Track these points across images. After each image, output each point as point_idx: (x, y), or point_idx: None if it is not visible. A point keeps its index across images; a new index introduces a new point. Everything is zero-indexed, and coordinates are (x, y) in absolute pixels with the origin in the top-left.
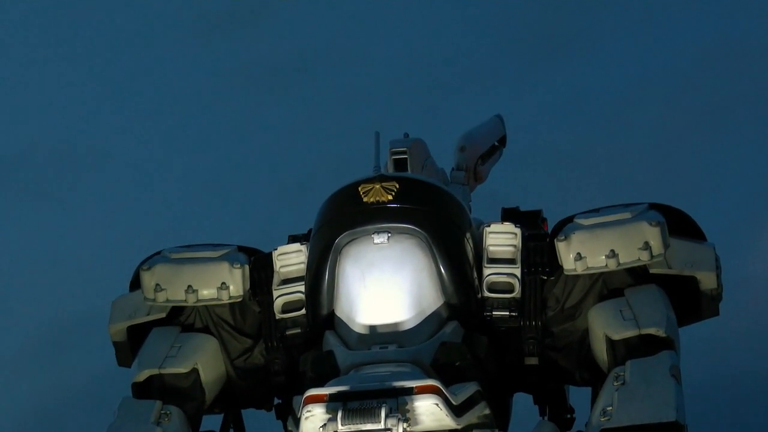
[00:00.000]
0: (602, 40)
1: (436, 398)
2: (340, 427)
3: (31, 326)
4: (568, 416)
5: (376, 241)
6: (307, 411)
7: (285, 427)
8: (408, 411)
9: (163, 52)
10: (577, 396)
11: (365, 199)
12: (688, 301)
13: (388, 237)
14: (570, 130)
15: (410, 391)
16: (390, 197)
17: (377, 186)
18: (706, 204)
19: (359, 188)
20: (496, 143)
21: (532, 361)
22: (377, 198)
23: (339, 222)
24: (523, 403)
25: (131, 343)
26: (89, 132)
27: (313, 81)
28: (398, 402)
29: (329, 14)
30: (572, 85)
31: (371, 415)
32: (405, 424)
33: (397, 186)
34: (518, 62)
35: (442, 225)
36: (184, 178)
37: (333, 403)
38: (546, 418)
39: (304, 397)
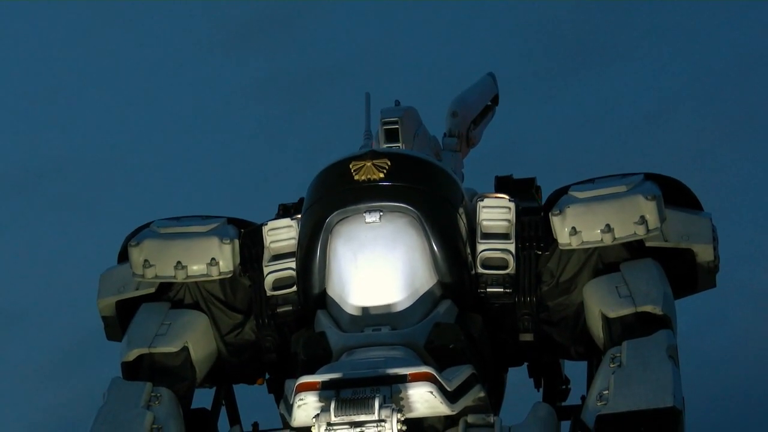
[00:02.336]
0: (632, 50)
1: (430, 386)
2: (333, 418)
3: (57, 337)
4: (564, 387)
5: (367, 220)
6: (300, 399)
7: (276, 401)
8: (402, 399)
9: (192, 64)
10: (572, 366)
11: (356, 177)
12: (685, 273)
13: (380, 216)
14: (599, 139)
15: (404, 379)
16: (381, 175)
17: (368, 164)
18: (737, 212)
19: (350, 165)
20: (489, 103)
21: (527, 337)
22: (368, 176)
23: (330, 200)
24: (518, 377)
25: (120, 318)
26: (118, 144)
27: (343, 89)
28: (392, 390)
29: (359, 24)
30: (601, 95)
31: (365, 405)
32: (399, 414)
33: (389, 163)
34: (547, 72)
35: (434, 203)
36: (213, 189)
37: (326, 391)
38: (541, 390)
39: (296, 384)
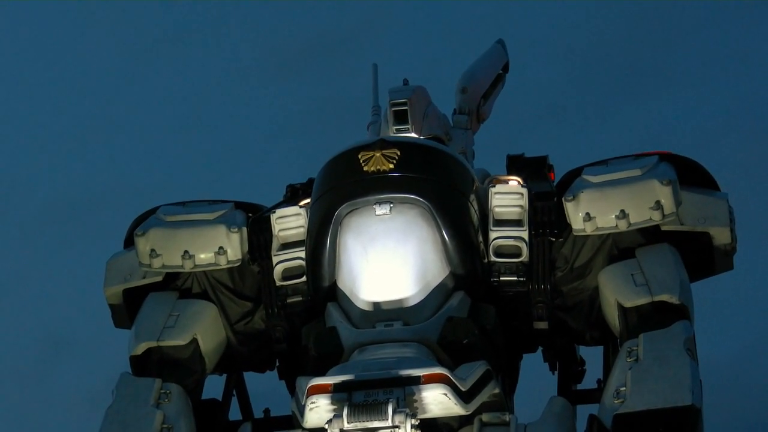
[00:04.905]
0: (683, 76)
1: (444, 388)
2: (346, 424)
3: (106, 363)
4: (579, 369)
5: (377, 212)
6: (312, 402)
7: (287, 387)
8: (415, 401)
9: (240, 92)
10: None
11: (365, 168)
12: (702, 255)
13: (390, 208)
14: None
15: (417, 381)
16: (391, 166)
17: (377, 154)
18: None
19: (359, 155)
20: (500, 71)
21: (542, 325)
22: (378, 167)
23: (339, 192)
24: (532, 360)
25: (128, 305)
26: (164, 174)
27: None
28: (405, 392)
29: (406, 49)
30: (652, 120)
31: (378, 411)
32: (413, 420)
33: (398, 153)
34: (597, 98)
35: (445, 193)
36: None
37: (338, 393)
38: (556, 373)
39: (308, 386)
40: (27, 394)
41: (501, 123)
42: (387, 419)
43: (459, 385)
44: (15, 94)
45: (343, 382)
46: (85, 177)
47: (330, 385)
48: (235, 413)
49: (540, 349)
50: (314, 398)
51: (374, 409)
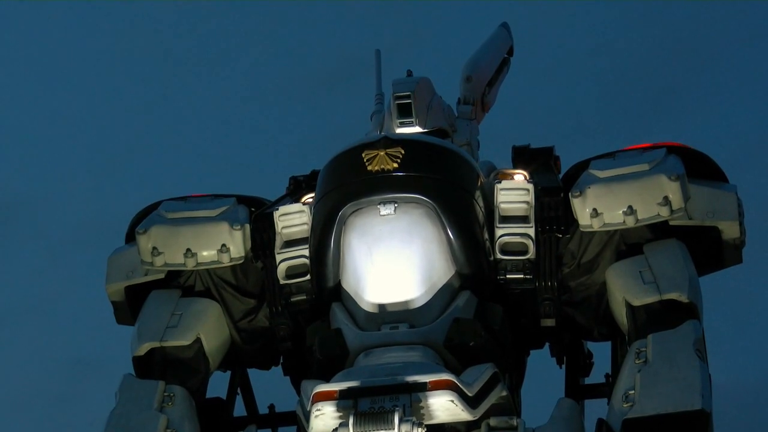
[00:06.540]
0: (714, 95)
1: (451, 394)
2: None
3: None
4: (587, 362)
5: (382, 212)
6: (317, 409)
7: (292, 382)
8: (422, 408)
9: (273, 113)
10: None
11: (369, 167)
12: (711, 248)
13: (395, 208)
14: None
15: (424, 387)
16: (395, 165)
17: (381, 153)
18: None
19: (363, 154)
20: (505, 55)
21: (549, 322)
22: (382, 166)
23: (343, 192)
24: (540, 354)
25: (130, 302)
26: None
27: None
28: (411, 399)
29: (437, 67)
30: (683, 140)
31: (384, 420)
32: (419, 429)
33: (402, 152)
34: (625, 117)
35: (450, 192)
36: None
37: (343, 401)
38: (563, 366)
39: (313, 393)
40: (56, 416)
41: (530, 142)
42: (393, 429)
43: (466, 391)
44: (44, 117)
45: (349, 389)
46: (114, 200)
47: (335, 392)
48: (240, 409)
49: (547, 344)
50: (319, 405)
51: (380, 418)
